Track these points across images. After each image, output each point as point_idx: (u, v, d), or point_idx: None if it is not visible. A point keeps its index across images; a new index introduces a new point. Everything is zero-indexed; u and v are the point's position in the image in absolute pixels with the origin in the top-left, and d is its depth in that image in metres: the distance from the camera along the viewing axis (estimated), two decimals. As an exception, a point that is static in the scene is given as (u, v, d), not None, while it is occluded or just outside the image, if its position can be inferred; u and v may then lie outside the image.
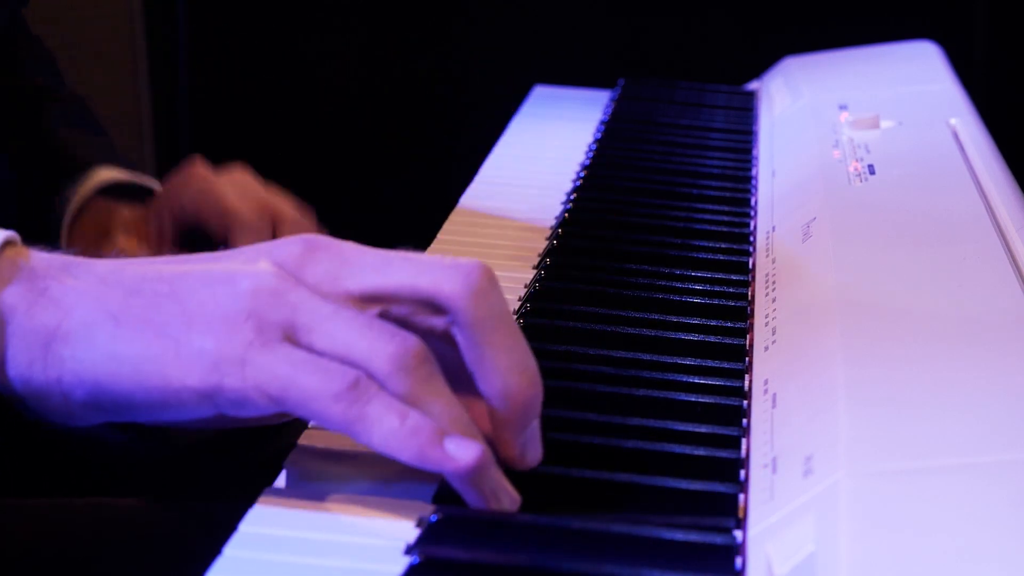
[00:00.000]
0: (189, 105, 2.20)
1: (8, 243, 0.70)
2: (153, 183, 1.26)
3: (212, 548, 0.65)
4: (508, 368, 0.69)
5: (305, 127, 2.25)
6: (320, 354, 0.67)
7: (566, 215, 1.09)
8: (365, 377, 0.67)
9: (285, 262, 0.70)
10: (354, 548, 0.66)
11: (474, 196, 1.16)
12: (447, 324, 0.69)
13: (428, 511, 0.69)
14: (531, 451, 0.71)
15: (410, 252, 0.71)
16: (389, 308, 0.69)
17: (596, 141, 1.28)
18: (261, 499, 0.70)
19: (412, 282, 0.69)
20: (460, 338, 0.69)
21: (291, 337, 0.67)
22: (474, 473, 0.67)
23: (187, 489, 1.08)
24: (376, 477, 0.72)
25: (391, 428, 0.66)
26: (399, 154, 2.25)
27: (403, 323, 0.69)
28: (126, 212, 1.22)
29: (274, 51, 2.22)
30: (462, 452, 0.67)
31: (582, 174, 1.19)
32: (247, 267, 0.69)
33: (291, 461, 0.73)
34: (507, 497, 0.69)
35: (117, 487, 1.10)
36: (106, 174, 1.23)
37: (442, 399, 0.68)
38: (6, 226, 0.72)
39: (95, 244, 1.20)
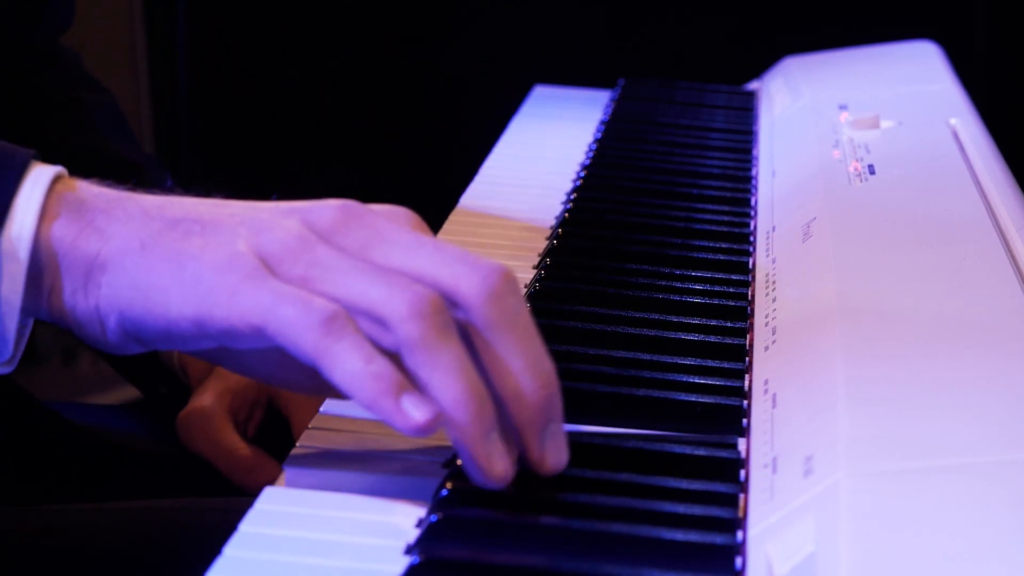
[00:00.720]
0: (189, 105, 2.20)
1: (58, 177, 0.72)
2: None
3: (212, 548, 0.65)
4: (521, 370, 0.69)
5: (305, 127, 2.25)
6: (335, 302, 0.68)
7: (566, 215, 1.09)
8: (345, 315, 0.67)
9: (317, 224, 0.71)
10: (354, 548, 0.66)
11: (474, 196, 1.16)
12: (464, 320, 0.70)
13: (428, 511, 0.69)
14: (552, 455, 0.70)
15: (443, 242, 0.72)
16: None
17: (596, 141, 1.28)
18: (261, 499, 0.70)
19: (434, 273, 0.69)
20: (475, 337, 0.70)
21: (304, 286, 0.68)
22: (423, 433, 0.67)
23: (187, 489, 1.08)
24: (376, 477, 0.72)
25: (353, 368, 0.67)
26: (399, 154, 2.25)
27: None
28: None
29: (274, 51, 2.22)
30: (415, 411, 0.67)
31: (582, 174, 1.19)
32: (277, 220, 0.70)
33: (291, 461, 0.73)
34: (500, 463, 0.69)
35: (119, 488, 1.10)
36: None
37: (454, 350, 0.68)
38: None
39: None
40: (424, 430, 0.67)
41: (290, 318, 0.67)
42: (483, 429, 0.68)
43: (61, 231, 0.70)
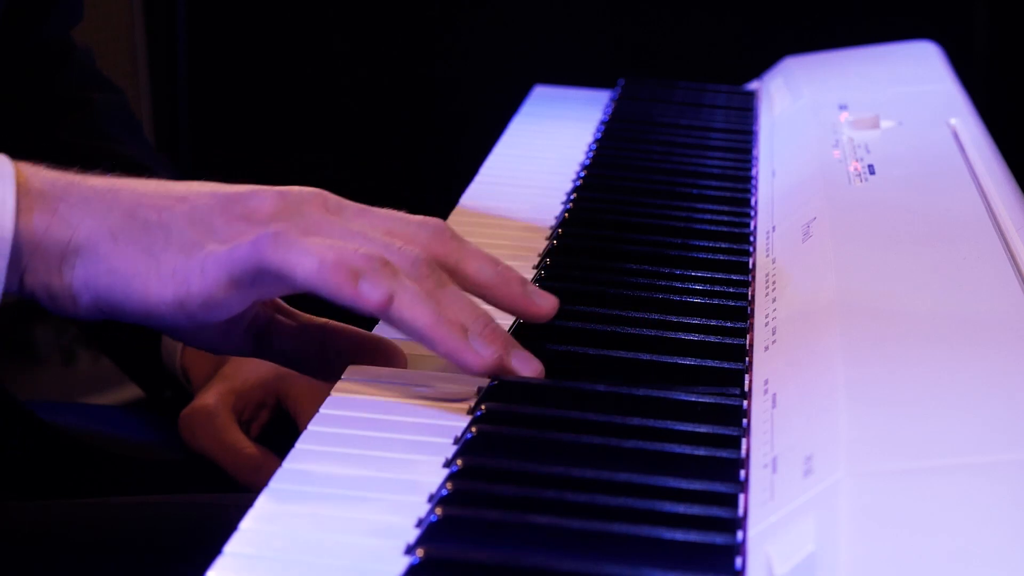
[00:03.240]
0: (189, 105, 2.20)
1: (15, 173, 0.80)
2: None
3: (213, 547, 0.65)
4: (488, 269, 0.83)
5: (305, 127, 2.25)
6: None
7: (566, 215, 1.09)
8: (287, 209, 0.79)
9: (257, 213, 0.80)
10: (354, 548, 0.66)
11: (474, 196, 1.16)
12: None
13: (428, 511, 0.69)
14: (543, 302, 0.85)
15: (378, 209, 0.83)
16: None
17: (596, 141, 1.28)
18: (262, 498, 0.70)
19: (388, 235, 0.81)
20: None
21: None
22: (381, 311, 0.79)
23: (189, 489, 1.08)
24: (377, 476, 0.72)
25: (311, 265, 0.77)
26: (399, 154, 2.25)
27: None
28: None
29: (274, 51, 2.22)
30: (373, 293, 0.78)
31: (582, 174, 1.19)
32: (220, 210, 0.80)
33: (290, 460, 0.73)
34: (531, 365, 0.81)
35: (120, 487, 1.10)
36: None
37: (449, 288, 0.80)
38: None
39: (212, 362, 1.16)
40: (381, 307, 0.78)
41: (243, 248, 0.78)
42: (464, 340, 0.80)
43: (35, 222, 0.79)
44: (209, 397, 1.12)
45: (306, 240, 0.78)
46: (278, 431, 1.12)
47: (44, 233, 0.79)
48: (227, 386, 1.12)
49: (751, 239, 1.05)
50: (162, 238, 0.79)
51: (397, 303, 0.79)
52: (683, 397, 0.81)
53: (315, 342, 0.86)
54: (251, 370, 1.14)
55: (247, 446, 1.09)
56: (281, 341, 0.87)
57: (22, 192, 0.79)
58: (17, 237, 0.79)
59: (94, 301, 0.80)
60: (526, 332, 0.88)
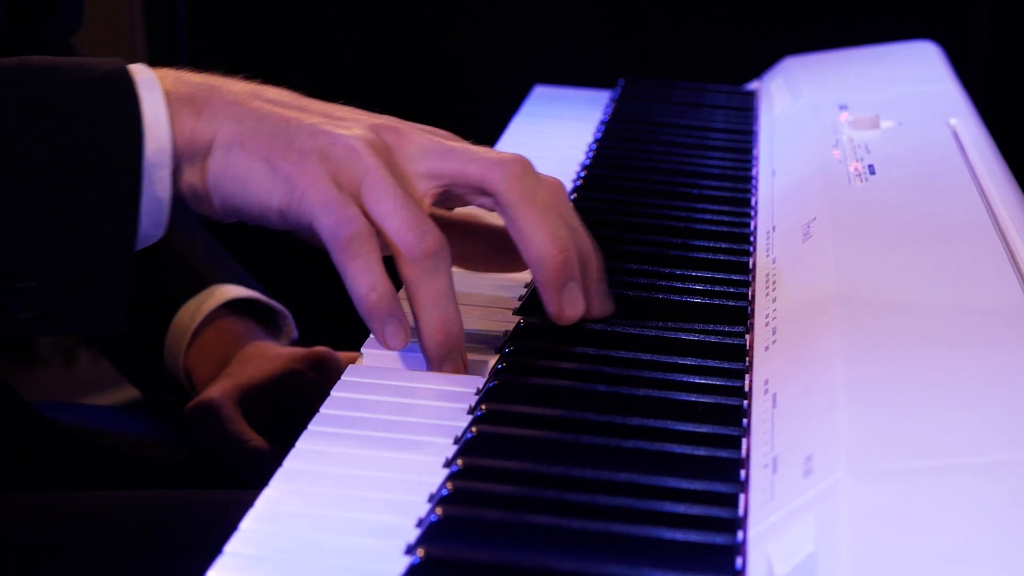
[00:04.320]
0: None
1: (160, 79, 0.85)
2: (277, 305, 1.22)
3: (213, 546, 0.65)
4: (542, 239, 0.84)
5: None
6: (366, 214, 0.83)
7: (566, 215, 1.09)
8: (367, 232, 0.82)
9: (381, 130, 0.86)
10: (354, 548, 0.66)
11: (474, 196, 1.15)
12: (493, 205, 0.86)
13: (428, 511, 0.69)
14: (569, 309, 0.86)
15: (467, 145, 0.88)
16: (448, 187, 0.86)
17: (596, 141, 1.28)
18: (262, 498, 0.70)
19: (463, 170, 0.86)
20: (503, 217, 0.86)
21: (356, 191, 0.83)
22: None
23: (190, 487, 1.07)
24: (375, 477, 0.72)
25: (359, 290, 0.82)
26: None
27: (461, 201, 0.88)
28: (250, 347, 1.18)
29: (274, 51, 2.22)
30: (390, 339, 0.83)
31: (582, 174, 1.19)
32: (349, 130, 0.85)
33: (291, 460, 0.74)
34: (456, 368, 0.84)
35: (121, 486, 1.10)
36: (231, 291, 1.19)
37: (437, 283, 0.83)
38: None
39: (216, 364, 1.17)
40: (391, 346, 0.84)
41: (327, 225, 0.82)
42: (449, 350, 0.83)
43: (183, 127, 0.84)
44: (214, 391, 1.12)
45: (368, 259, 0.82)
46: (282, 427, 1.12)
47: (191, 136, 0.84)
48: (232, 382, 1.12)
49: (751, 239, 1.05)
50: (283, 147, 0.84)
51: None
52: (683, 397, 0.81)
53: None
54: (257, 367, 1.14)
55: (253, 438, 1.09)
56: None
57: (171, 100, 0.84)
58: (174, 146, 0.83)
59: (219, 203, 0.85)
60: (526, 331, 0.88)
